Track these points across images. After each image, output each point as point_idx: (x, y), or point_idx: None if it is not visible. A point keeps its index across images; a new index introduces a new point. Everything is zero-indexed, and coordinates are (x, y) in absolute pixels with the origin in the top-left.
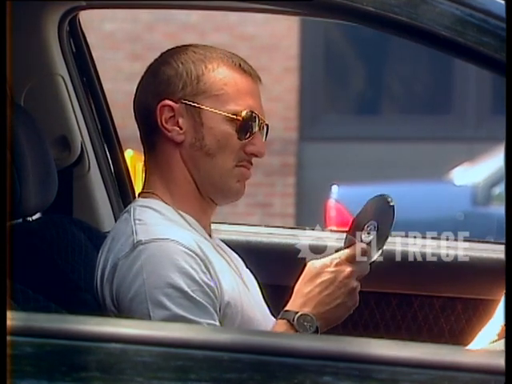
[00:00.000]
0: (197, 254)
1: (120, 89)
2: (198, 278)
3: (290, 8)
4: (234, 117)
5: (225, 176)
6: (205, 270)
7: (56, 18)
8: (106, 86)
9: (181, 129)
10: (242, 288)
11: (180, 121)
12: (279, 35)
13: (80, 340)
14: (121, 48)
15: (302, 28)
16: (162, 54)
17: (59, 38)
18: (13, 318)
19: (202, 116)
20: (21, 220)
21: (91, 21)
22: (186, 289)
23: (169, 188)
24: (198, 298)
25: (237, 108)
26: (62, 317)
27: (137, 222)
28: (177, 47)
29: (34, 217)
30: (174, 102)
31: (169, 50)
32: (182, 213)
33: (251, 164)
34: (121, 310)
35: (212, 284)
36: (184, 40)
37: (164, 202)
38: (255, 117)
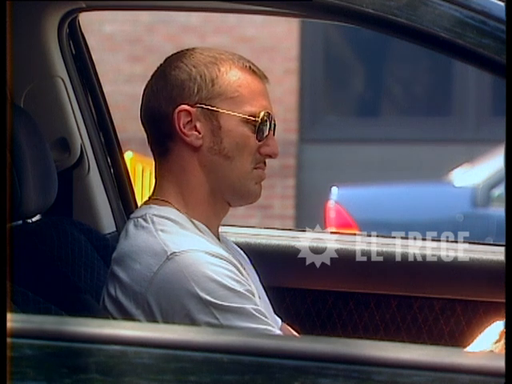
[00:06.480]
0: (230, 261)
1: (120, 91)
2: (239, 279)
3: (290, 10)
4: (252, 118)
5: (244, 179)
6: (242, 272)
7: (56, 19)
8: (106, 87)
9: (199, 133)
10: (253, 288)
11: (198, 125)
12: (279, 37)
13: (80, 342)
14: (120, 50)
15: (302, 30)
16: (168, 59)
17: (59, 39)
18: (13, 320)
19: (219, 119)
20: (21, 222)
21: (91, 23)
22: (234, 287)
23: (183, 195)
24: (247, 293)
25: (252, 109)
26: (61, 319)
27: (161, 233)
28: (182, 51)
29: (34, 219)
30: (190, 106)
31: (174, 54)
32: (195, 221)
33: (265, 165)
34: (166, 316)
35: (248, 286)
36: (184, 42)
37: (178, 210)
38: (270, 117)
